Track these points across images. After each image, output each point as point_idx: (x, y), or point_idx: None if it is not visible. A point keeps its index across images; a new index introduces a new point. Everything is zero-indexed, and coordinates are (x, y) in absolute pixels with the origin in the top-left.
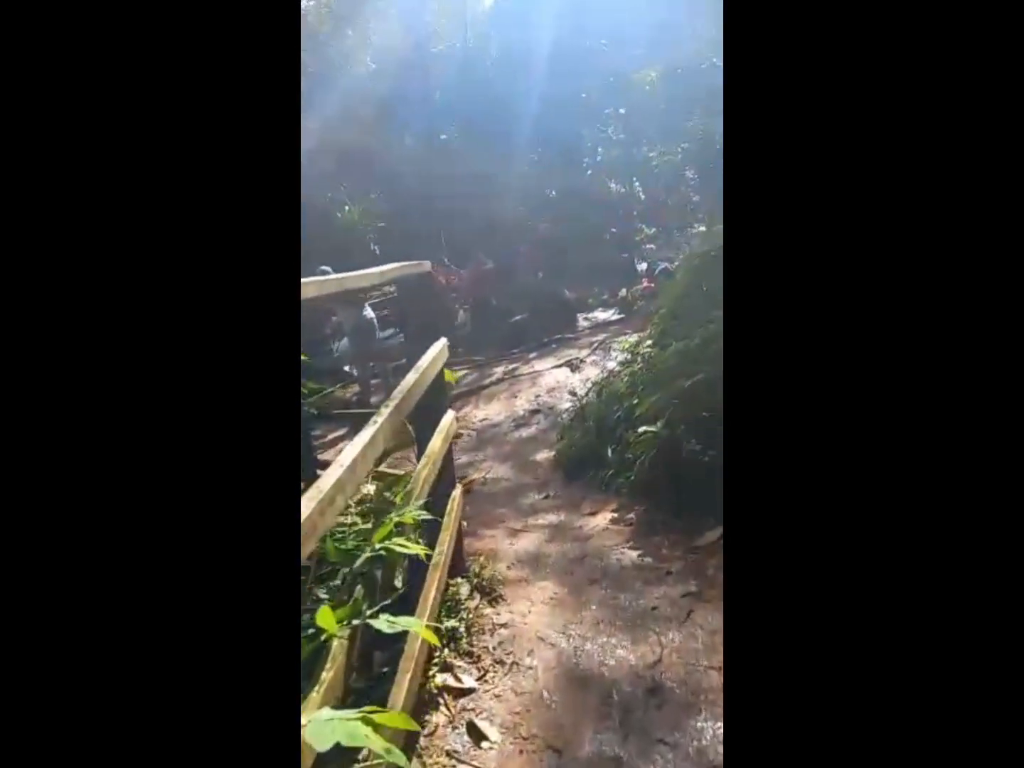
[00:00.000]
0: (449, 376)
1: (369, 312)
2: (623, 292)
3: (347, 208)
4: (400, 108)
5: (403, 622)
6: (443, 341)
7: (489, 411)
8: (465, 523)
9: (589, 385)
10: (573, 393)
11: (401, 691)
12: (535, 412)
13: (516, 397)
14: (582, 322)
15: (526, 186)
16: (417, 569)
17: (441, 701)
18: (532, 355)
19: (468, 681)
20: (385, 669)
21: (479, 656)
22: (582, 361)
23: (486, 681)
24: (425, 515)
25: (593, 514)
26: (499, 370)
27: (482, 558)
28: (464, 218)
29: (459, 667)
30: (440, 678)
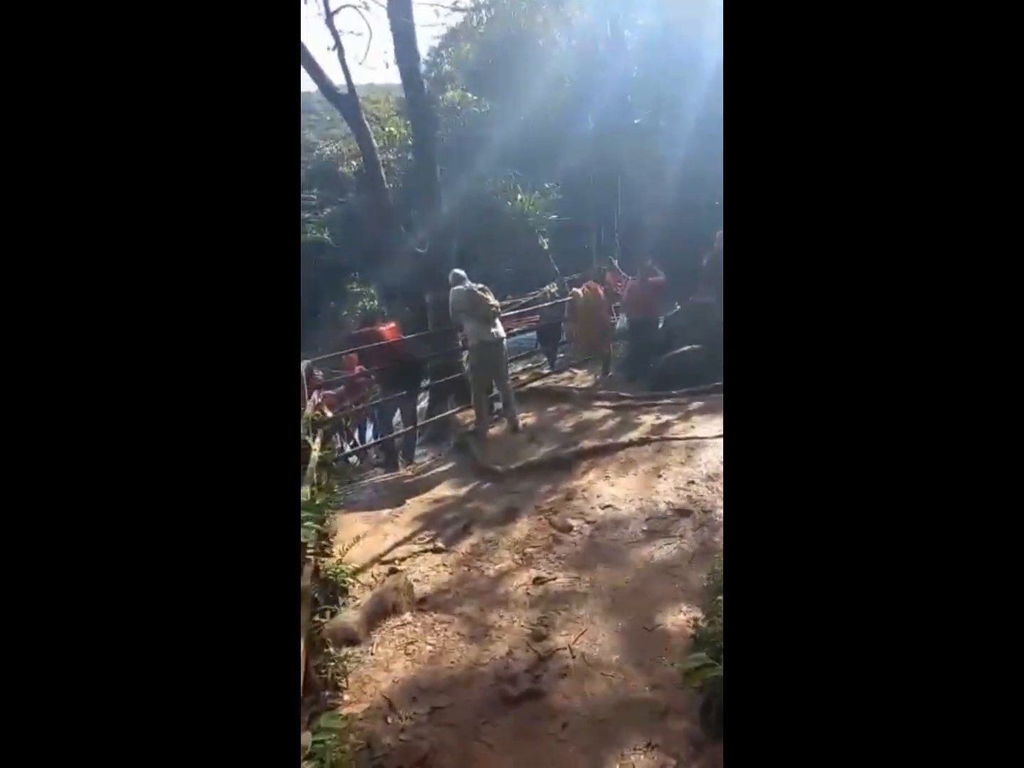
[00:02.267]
0: None
1: (498, 330)
2: None
3: (519, 198)
4: (589, 89)
5: None
6: None
7: (618, 491)
8: None
9: None
10: None
11: None
12: (682, 513)
13: (660, 476)
14: None
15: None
16: None
17: None
18: (694, 405)
19: None
20: None
21: None
22: None
23: None
24: None
25: None
26: (647, 420)
27: None
28: (650, 211)
29: None
30: None
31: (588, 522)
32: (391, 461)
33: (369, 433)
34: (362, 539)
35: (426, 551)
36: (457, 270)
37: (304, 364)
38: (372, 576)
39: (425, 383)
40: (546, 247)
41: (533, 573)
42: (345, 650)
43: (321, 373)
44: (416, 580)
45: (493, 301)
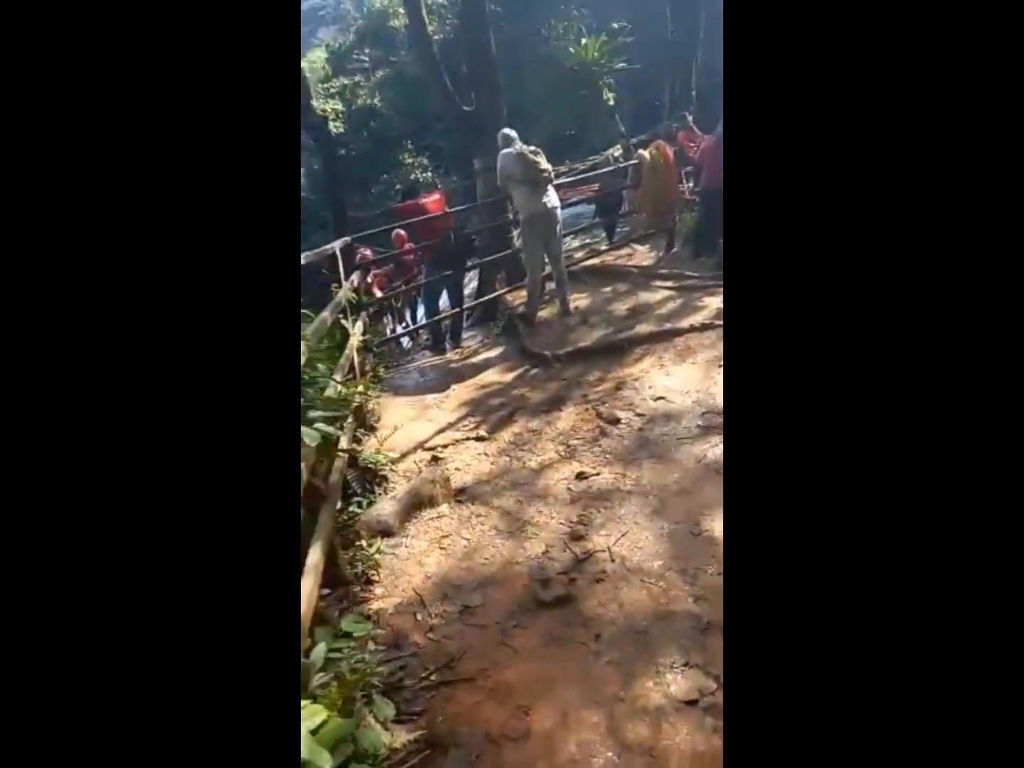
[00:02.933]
0: None
1: (551, 199)
2: None
3: (583, 42)
4: None
5: None
6: None
7: (673, 382)
8: None
9: None
10: None
11: None
12: None
13: (721, 366)
14: None
15: None
16: None
17: None
18: None
19: None
20: None
21: None
22: None
23: None
24: None
25: None
26: (711, 304)
27: None
28: None
29: None
30: None
31: (638, 414)
32: (438, 344)
33: (421, 314)
34: (405, 426)
35: (468, 439)
36: (506, 130)
37: (337, 244)
38: (414, 463)
39: (473, 261)
40: (612, 102)
41: (576, 467)
42: (379, 542)
43: (369, 251)
44: (457, 469)
45: (545, 165)
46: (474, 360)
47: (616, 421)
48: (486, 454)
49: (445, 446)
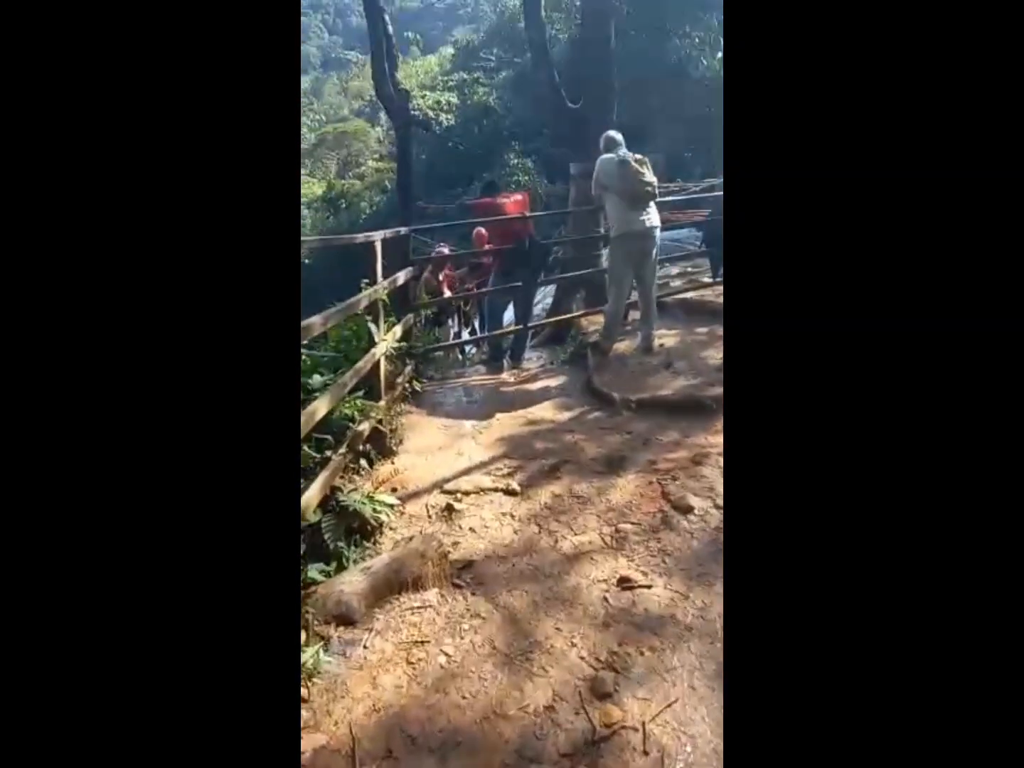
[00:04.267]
0: None
1: (651, 217)
2: None
3: (718, 56)
4: None
5: None
6: None
7: None
8: None
9: None
10: None
11: None
12: None
13: None
14: None
15: None
16: None
17: None
18: None
19: None
20: None
21: None
22: None
23: None
24: None
25: None
26: None
27: None
28: None
29: None
30: None
31: (718, 506)
32: (495, 361)
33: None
34: (430, 456)
35: (497, 489)
36: (611, 132)
37: (377, 235)
38: (426, 508)
39: (550, 275)
40: None
41: (622, 565)
42: (325, 641)
43: (446, 248)
44: (471, 530)
45: (650, 177)
46: (530, 387)
47: (688, 509)
48: (512, 516)
49: (467, 493)
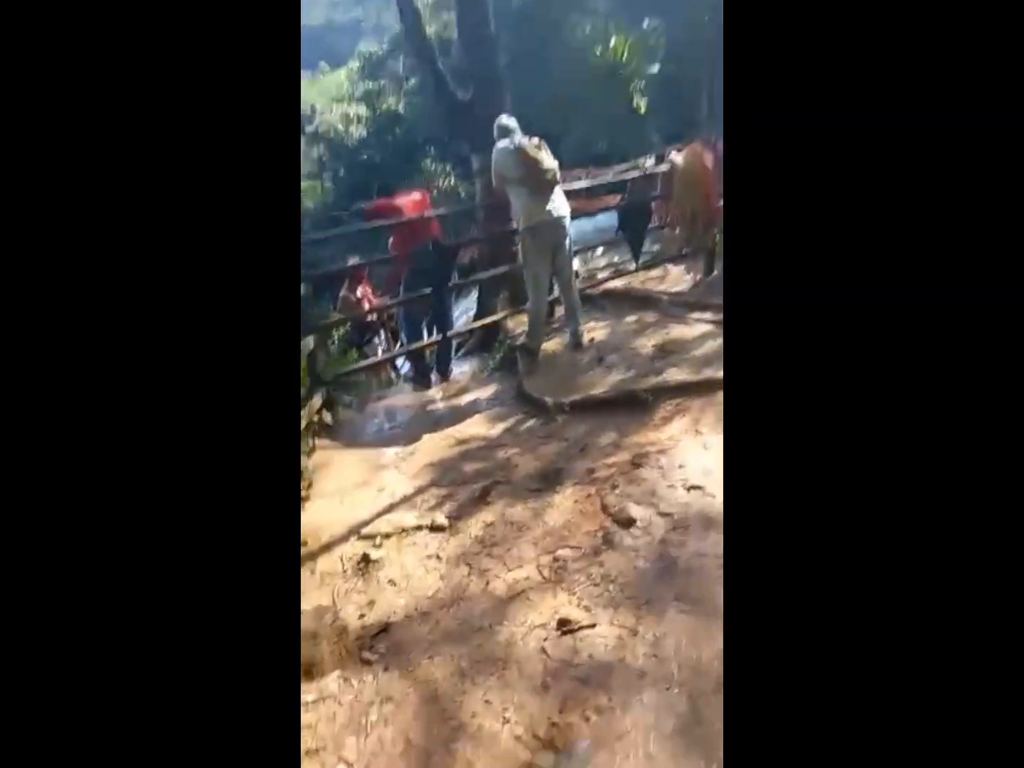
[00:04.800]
0: None
1: (559, 205)
2: None
3: (611, 43)
4: None
5: None
6: None
7: (712, 461)
8: None
9: None
10: None
11: None
12: None
13: None
14: None
15: None
16: None
17: None
18: None
19: None
20: None
21: None
22: None
23: None
24: None
25: None
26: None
27: None
28: None
29: None
30: None
31: (661, 513)
32: (421, 377)
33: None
34: (346, 496)
35: (421, 527)
36: (503, 118)
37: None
38: (340, 561)
39: (466, 278)
40: (643, 110)
41: (561, 601)
42: None
43: (358, 257)
44: (390, 583)
45: (550, 163)
46: (459, 401)
47: (629, 522)
48: (438, 557)
49: (388, 535)
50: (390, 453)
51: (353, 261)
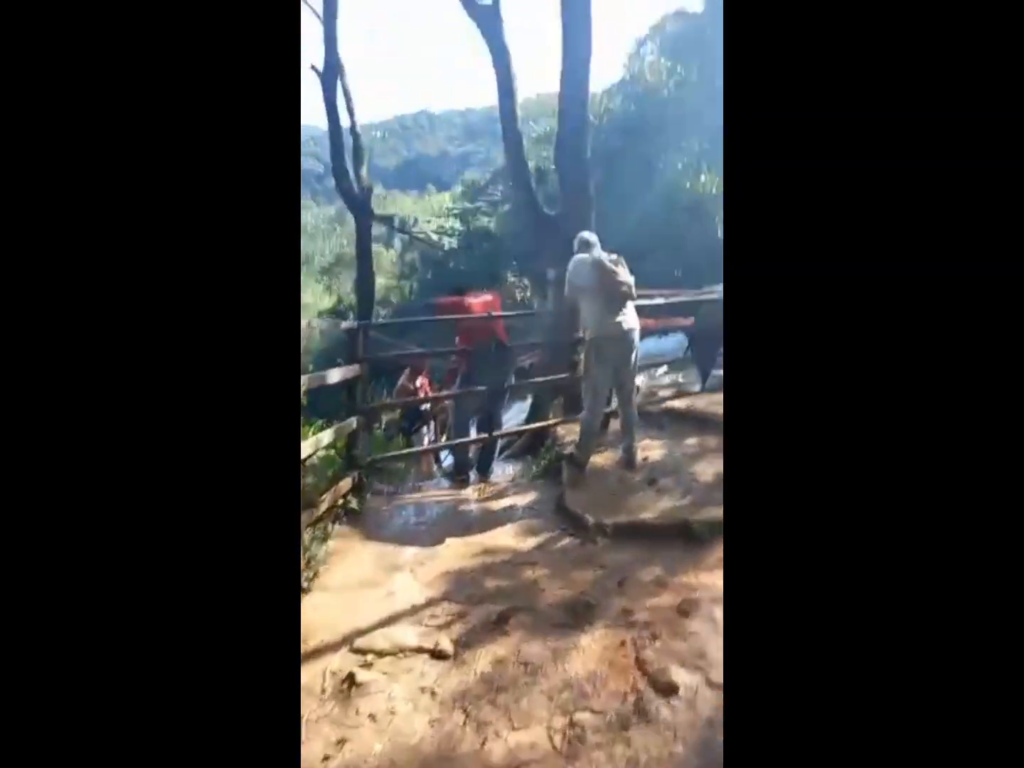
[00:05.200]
0: None
1: (630, 319)
2: None
3: (702, 177)
4: None
5: None
6: None
7: None
8: None
9: None
10: None
11: None
12: None
13: None
14: None
15: None
16: None
17: None
18: None
19: None
20: None
21: None
22: None
23: None
24: None
25: None
26: None
27: None
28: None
29: None
30: None
31: (712, 684)
32: (460, 473)
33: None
34: (351, 594)
35: (422, 650)
36: (585, 232)
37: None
38: (324, 676)
39: (523, 380)
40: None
41: None
42: None
43: (415, 348)
44: (370, 717)
45: (625, 276)
46: (494, 505)
47: (670, 689)
48: (434, 694)
49: (382, 654)
50: (409, 554)
51: (412, 351)
